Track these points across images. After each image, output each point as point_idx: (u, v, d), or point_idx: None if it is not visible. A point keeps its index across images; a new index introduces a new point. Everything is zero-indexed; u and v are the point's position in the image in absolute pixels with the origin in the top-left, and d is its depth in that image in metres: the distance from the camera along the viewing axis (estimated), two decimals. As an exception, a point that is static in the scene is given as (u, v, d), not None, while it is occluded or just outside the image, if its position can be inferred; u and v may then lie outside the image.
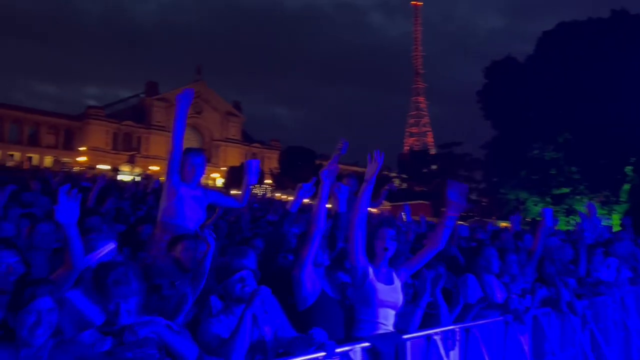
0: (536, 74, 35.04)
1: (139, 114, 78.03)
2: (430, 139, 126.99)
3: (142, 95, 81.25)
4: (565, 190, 34.36)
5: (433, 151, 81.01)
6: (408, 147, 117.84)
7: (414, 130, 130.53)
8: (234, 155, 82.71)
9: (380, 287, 3.49)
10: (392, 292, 3.54)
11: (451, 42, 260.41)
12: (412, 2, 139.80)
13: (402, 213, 5.07)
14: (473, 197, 61.79)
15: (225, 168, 74.16)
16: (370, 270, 3.51)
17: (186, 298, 2.90)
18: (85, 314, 2.71)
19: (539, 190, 35.20)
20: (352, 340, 3.45)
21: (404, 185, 66.09)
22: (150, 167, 65.97)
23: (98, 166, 58.38)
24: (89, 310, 2.71)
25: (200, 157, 4.16)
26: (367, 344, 3.46)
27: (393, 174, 72.83)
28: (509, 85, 36.27)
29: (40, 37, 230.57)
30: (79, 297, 2.81)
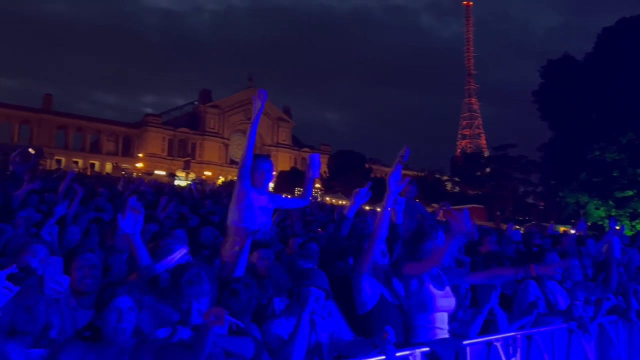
0: (596, 72, 33.56)
1: (194, 121, 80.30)
2: (483, 141, 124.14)
3: (196, 103, 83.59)
4: (630, 193, 32.70)
5: (486, 153, 79.05)
6: (460, 150, 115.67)
7: (467, 132, 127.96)
8: (284, 160, 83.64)
9: (436, 293, 3.49)
10: (446, 297, 3.54)
11: (504, 41, 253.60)
12: (464, 2, 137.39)
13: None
14: (529, 200, 59.82)
15: (275, 173, 75.02)
16: (427, 276, 3.51)
17: (250, 303, 2.99)
18: (162, 316, 2.84)
19: (601, 193, 33.66)
20: (411, 345, 3.46)
21: (457, 189, 64.80)
22: (204, 173, 67.75)
23: (155, 172, 60.44)
24: (164, 312, 2.84)
25: (269, 163, 4.32)
26: (426, 349, 3.45)
27: (445, 177, 71.57)
28: (567, 85, 34.93)
29: (101, 49, 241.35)
30: (155, 300, 2.96)
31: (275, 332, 2.92)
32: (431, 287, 3.49)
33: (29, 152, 13.37)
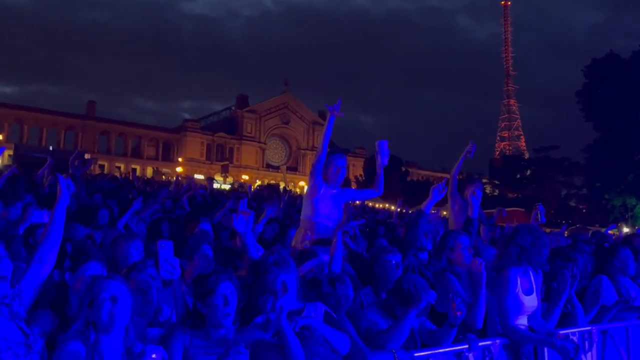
0: (643, 70, 32.65)
1: (231, 126, 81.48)
2: (522, 143, 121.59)
3: (233, 108, 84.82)
4: (680, 195, 31.66)
5: (526, 156, 77.40)
6: (499, 152, 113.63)
7: (506, 134, 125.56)
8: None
9: (525, 299, 3.53)
10: (532, 301, 3.58)
11: (543, 41, 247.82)
12: (502, 2, 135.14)
13: (537, 213, 5.00)
14: (572, 203, 58.29)
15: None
16: (519, 280, 3.53)
17: (346, 299, 3.08)
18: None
19: (650, 195, 32.69)
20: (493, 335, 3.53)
21: (496, 192, 63.72)
22: (242, 177, 68.65)
23: (195, 176, 61.58)
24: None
25: (344, 160, 4.41)
26: (507, 340, 3.52)
27: (484, 180, 70.47)
28: (613, 84, 34.04)
29: (140, 55, 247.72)
30: None
31: (371, 318, 3.03)
32: (521, 294, 3.52)
33: (85, 156, 13.77)
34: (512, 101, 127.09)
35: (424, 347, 3.24)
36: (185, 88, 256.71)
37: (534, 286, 3.56)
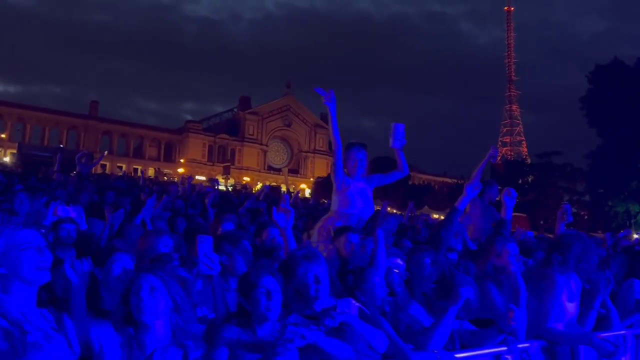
0: (648, 77, 32.64)
1: (233, 127, 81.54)
2: (524, 148, 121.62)
3: (235, 110, 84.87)
4: (684, 202, 31.63)
5: (528, 161, 77.43)
6: (501, 157, 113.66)
7: (507, 139, 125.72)
8: (321, 167, 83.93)
9: (568, 306, 3.49)
10: (573, 308, 3.54)
11: (546, 47, 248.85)
12: (505, 8, 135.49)
13: (564, 212, 4.97)
14: (574, 209, 58.22)
15: (312, 179, 75.42)
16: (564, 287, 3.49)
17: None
18: None
19: (653, 202, 32.65)
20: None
21: (498, 198, 63.51)
22: (243, 178, 68.59)
23: (196, 177, 61.50)
24: None
25: (363, 153, 4.43)
26: (545, 343, 3.46)
27: (486, 185, 70.27)
28: (617, 90, 34.01)
29: (143, 57, 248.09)
30: None
31: (413, 313, 2.97)
32: (565, 302, 3.48)
33: (92, 154, 13.81)
34: (514, 106, 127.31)
35: (463, 348, 3.17)
36: (187, 89, 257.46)
37: (576, 293, 3.51)
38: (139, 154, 77.01)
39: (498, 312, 3.33)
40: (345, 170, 4.37)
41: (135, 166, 73.05)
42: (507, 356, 3.21)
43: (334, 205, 4.37)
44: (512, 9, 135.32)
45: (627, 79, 34.15)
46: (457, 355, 3.03)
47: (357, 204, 4.27)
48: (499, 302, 3.48)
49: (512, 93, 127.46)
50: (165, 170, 68.47)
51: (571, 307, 3.48)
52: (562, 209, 5.30)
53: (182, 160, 74.50)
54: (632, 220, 34.59)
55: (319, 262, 2.73)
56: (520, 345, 3.29)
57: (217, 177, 65.81)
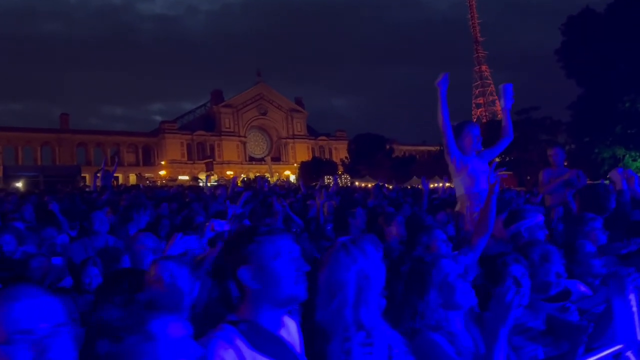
0: (619, 22, 32.52)
1: (209, 123, 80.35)
2: (498, 107, 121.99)
3: (208, 105, 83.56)
4: (669, 139, 31.87)
5: (507, 119, 77.71)
6: (476, 119, 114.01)
7: (481, 100, 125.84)
8: (302, 151, 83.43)
9: None
10: None
11: (508, 3, 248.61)
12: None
13: (577, 175, 4.93)
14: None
15: (296, 164, 74.91)
16: None
17: None
18: None
19: (638, 144, 32.80)
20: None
21: (482, 159, 63.80)
22: (226, 172, 67.78)
23: (179, 177, 60.59)
24: None
25: (478, 129, 4.51)
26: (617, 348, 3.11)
27: (469, 149, 70.53)
28: (591, 39, 33.91)
29: (102, 62, 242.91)
30: None
31: None
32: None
33: (103, 167, 14.45)
34: (483, 67, 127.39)
35: None
36: (153, 90, 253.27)
37: None
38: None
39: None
40: (461, 149, 4.42)
41: (115, 174, 71.79)
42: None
43: (460, 189, 4.34)
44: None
45: (599, 26, 34.07)
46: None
47: (481, 180, 4.23)
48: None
49: (479, 54, 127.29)
50: (147, 175, 67.37)
51: None
52: (573, 174, 5.42)
53: (162, 163, 73.31)
54: (620, 164, 34.78)
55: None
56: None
57: (199, 175, 65.10)
